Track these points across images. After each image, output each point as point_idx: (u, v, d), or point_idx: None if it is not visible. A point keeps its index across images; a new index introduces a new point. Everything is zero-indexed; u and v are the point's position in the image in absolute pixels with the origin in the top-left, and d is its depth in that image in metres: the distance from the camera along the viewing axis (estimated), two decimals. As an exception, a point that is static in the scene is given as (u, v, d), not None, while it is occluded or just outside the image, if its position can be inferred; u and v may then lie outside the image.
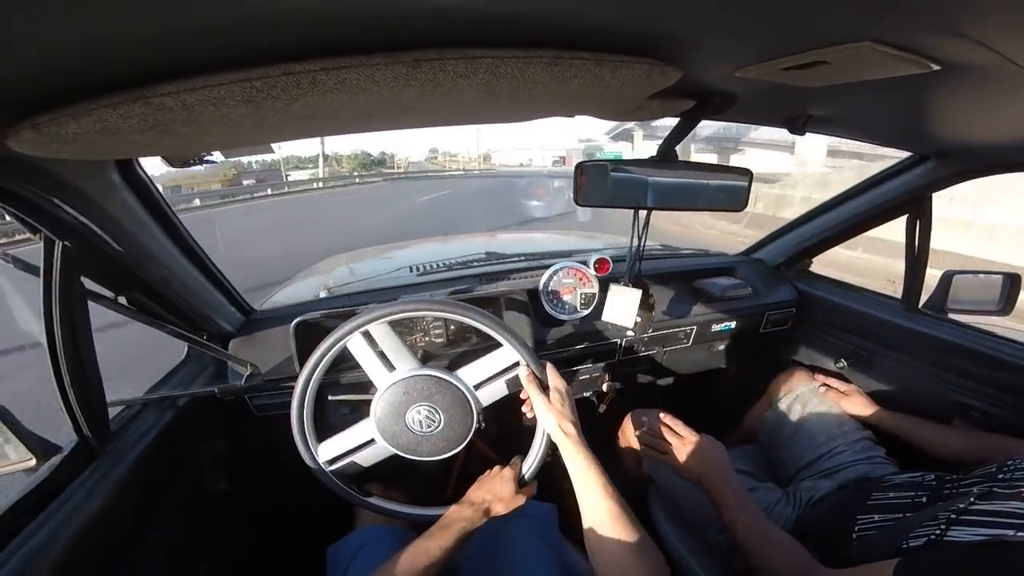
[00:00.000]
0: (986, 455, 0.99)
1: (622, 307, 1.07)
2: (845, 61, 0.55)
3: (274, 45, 0.42)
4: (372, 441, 0.93)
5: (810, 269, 1.69)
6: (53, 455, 0.85)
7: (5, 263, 0.77)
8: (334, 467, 0.94)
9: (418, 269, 1.56)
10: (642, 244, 1.03)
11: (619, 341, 1.43)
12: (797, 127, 1.00)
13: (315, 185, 28.78)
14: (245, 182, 29.87)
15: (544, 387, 0.89)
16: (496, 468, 0.94)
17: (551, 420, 0.85)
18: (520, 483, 0.92)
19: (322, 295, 1.42)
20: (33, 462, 0.83)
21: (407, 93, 0.50)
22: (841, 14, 0.45)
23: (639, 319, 1.04)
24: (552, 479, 1.28)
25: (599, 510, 0.76)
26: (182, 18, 0.35)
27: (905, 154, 1.24)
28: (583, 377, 1.50)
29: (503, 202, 16.50)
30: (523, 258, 1.63)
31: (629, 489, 1.51)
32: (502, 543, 0.95)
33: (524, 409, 0.93)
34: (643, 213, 1.01)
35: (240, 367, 1.14)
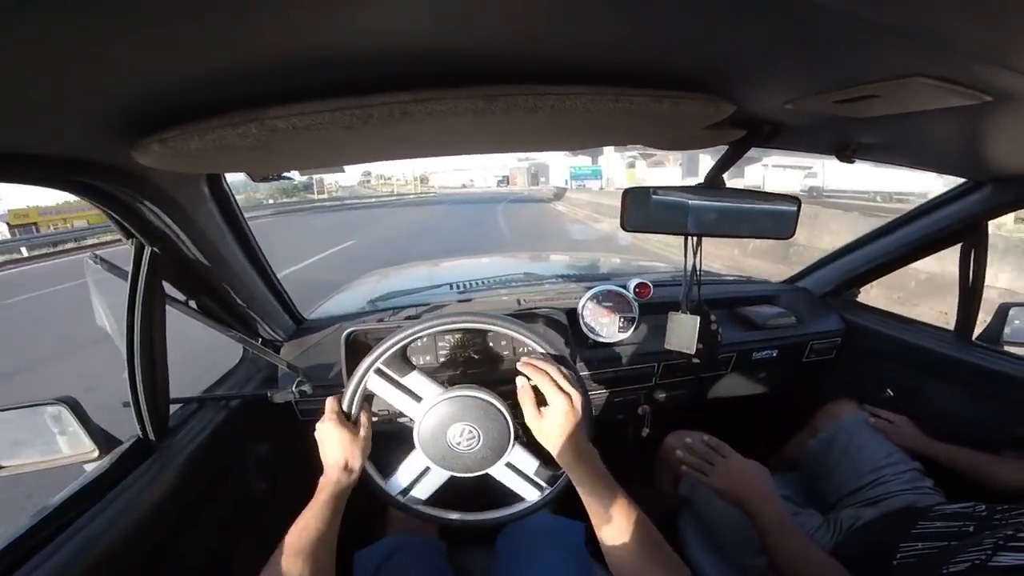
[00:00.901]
0: None
1: (683, 333, 1.07)
2: (895, 94, 0.56)
3: (372, 77, 0.46)
4: (428, 469, 0.92)
5: (858, 299, 1.64)
6: (115, 447, 0.90)
7: (93, 263, 0.83)
8: (406, 498, 0.94)
9: (459, 287, 1.59)
10: (697, 270, 1.03)
11: (656, 365, 1.42)
12: (846, 155, 1.00)
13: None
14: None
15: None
16: (323, 417, 0.87)
17: (553, 438, 0.78)
18: (346, 417, 0.88)
19: (367, 307, 1.46)
20: (96, 453, 0.88)
21: (482, 124, 0.54)
22: (890, 51, 0.46)
23: (701, 345, 1.04)
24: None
25: (618, 530, 0.71)
26: (294, 49, 0.40)
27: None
28: (617, 400, 1.50)
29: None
30: (561, 279, 1.64)
31: (662, 510, 1.50)
32: (528, 561, 0.95)
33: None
34: (694, 239, 1.02)
35: (292, 373, 1.19)
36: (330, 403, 0.88)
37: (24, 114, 0.47)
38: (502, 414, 0.89)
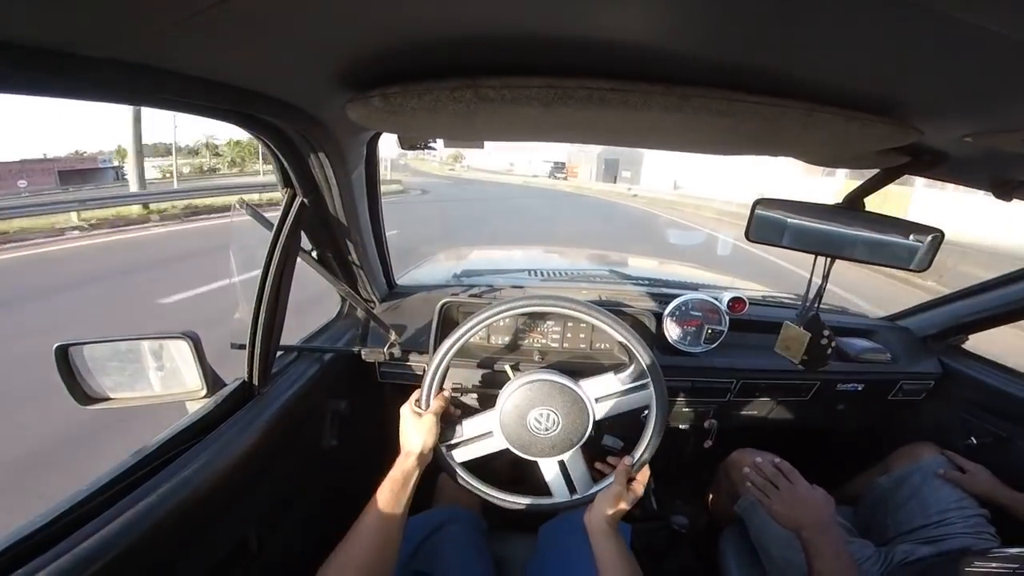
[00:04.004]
0: None
1: (792, 343, 1.05)
2: None
3: (576, 62, 0.49)
4: (490, 433, 0.96)
5: (963, 346, 1.54)
6: (220, 388, 0.92)
7: (239, 209, 0.84)
8: (454, 451, 0.98)
9: (541, 274, 1.57)
10: (821, 289, 1.00)
11: (734, 382, 1.38)
12: (1004, 192, 0.94)
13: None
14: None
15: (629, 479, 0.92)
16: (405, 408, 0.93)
17: (609, 509, 0.88)
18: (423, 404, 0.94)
19: (452, 281, 1.47)
20: (204, 392, 0.89)
21: (668, 120, 0.56)
22: None
23: (806, 357, 1.02)
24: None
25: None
26: (511, 27, 0.43)
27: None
28: (686, 410, 1.47)
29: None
30: (647, 282, 1.60)
31: (702, 526, 1.47)
32: (572, 556, 0.97)
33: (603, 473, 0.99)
34: (828, 260, 0.98)
35: (386, 334, 1.21)
36: (415, 395, 0.94)
37: (268, 51, 0.50)
38: (588, 412, 0.94)
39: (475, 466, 0.98)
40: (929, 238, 0.96)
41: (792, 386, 1.43)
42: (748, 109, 0.52)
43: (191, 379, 0.88)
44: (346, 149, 0.90)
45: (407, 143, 0.86)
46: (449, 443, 0.96)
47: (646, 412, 1.00)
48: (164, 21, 0.39)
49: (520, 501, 0.97)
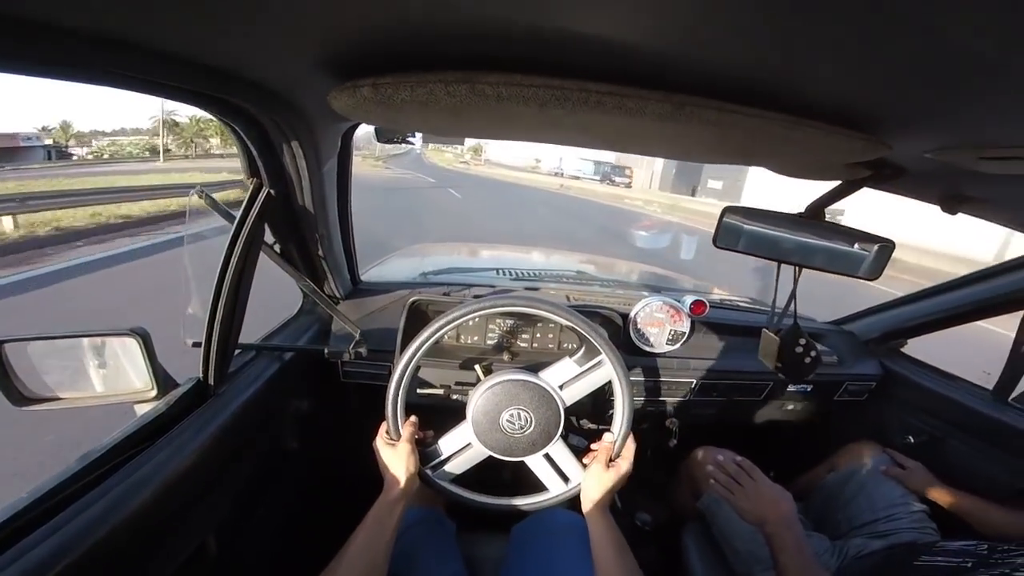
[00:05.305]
0: None
1: (767, 349, 1.11)
2: None
3: (575, 63, 0.48)
4: (469, 445, 0.95)
5: (902, 351, 1.64)
6: (172, 389, 0.87)
7: (199, 197, 0.79)
8: (440, 470, 0.96)
9: (509, 273, 1.57)
10: (790, 299, 1.05)
11: (693, 382, 1.42)
12: (951, 206, 0.99)
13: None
14: None
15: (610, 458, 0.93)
16: (378, 441, 0.92)
17: (594, 489, 0.90)
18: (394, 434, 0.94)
19: (418, 279, 1.44)
20: (154, 393, 0.84)
21: (657, 127, 0.56)
22: None
23: (780, 364, 1.07)
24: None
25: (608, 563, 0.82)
26: (513, 23, 0.41)
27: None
28: (649, 409, 1.50)
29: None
30: (612, 283, 1.62)
31: (662, 521, 1.50)
32: (544, 553, 0.97)
33: (585, 460, 0.98)
34: (794, 267, 1.01)
35: (353, 331, 1.18)
36: (383, 426, 0.93)
37: (249, 29, 0.48)
38: (556, 402, 0.93)
39: (468, 476, 0.97)
40: (879, 248, 1.02)
41: (747, 386, 1.48)
42: (737, 120, 0.53)
43: (140, 379, 0.83)
44: (321, 139, 0.88)
45: (385, 136, 0.85)
46: (432, 464, 0.95)
47: (612, 412, 1.00)
48: None
49: (522, 502, 0.97)
